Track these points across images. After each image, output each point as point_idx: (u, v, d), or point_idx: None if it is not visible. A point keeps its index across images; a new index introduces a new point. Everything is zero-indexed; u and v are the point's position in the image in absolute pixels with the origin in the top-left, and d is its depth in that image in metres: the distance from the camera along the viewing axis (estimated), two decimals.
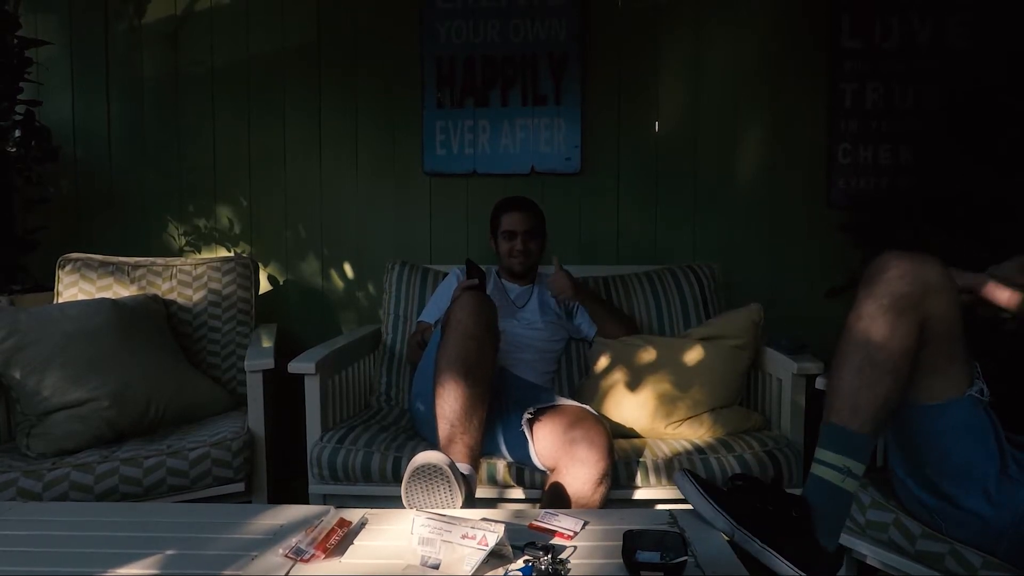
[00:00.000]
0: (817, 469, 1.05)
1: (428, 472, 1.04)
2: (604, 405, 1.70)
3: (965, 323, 1.13)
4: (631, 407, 1.68)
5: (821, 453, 1.06)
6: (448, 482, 1.04)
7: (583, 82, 2.30)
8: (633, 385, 1.69)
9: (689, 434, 1.66)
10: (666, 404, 1.65)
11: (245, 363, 1.57)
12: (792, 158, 2.31)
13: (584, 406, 1.47)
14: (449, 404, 1.32)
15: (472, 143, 2.34)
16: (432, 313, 1.88)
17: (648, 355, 1.71)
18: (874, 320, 1.06)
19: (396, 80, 2.35)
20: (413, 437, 1.61)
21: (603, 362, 1.76)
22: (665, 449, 1.56)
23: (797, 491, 1.11)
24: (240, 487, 1.49)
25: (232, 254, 2.35)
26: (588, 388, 1.77)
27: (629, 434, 1.69)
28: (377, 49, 2.35)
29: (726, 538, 1.00)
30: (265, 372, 1.59)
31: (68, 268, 1.89)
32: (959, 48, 2.21)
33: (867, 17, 2.23)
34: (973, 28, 2.20)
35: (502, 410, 1.54)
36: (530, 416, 1.43)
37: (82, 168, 2.40)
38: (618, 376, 1.71)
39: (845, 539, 1.30)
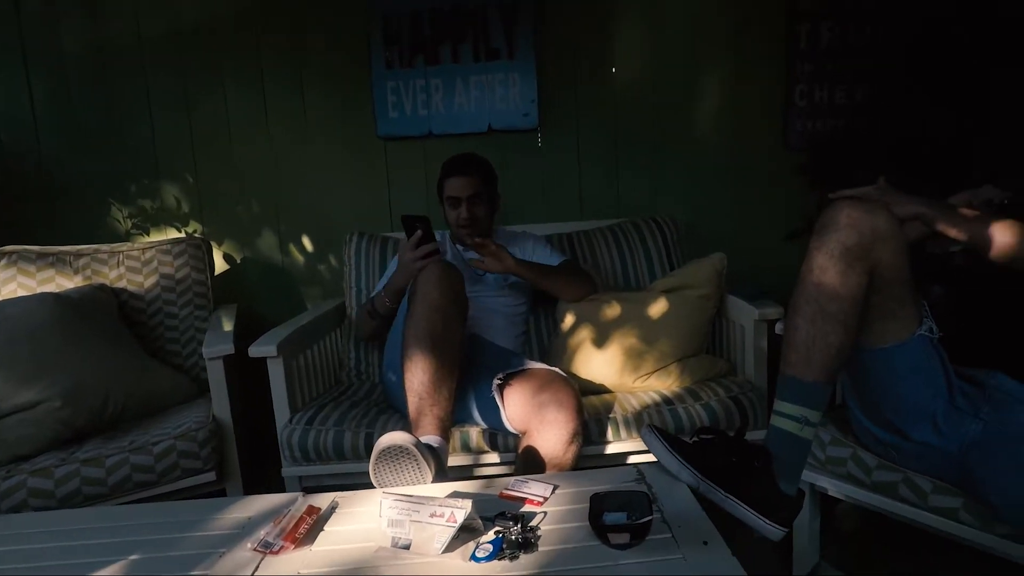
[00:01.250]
0: (776, 420, 1.08)
1: (394, 453, 1.04)
2: (573, 363, 1.72)
3: (913, 262, 1.15)
4: (600, 363, 1.69)
5: (779, 404, 1.09)
6: (415, 460, 1.04)
7: (537, 34, 2.22)
8: (600, 342, 1.70)
9: (658, 385, 1.69)
10: (633, 358, 1.67)
11: (203, 350, 1.52)
12: (751, 103, 2.29)
13: (553, 368, 1.48)
14: (418, 377, 1.31)
15: (426, 103, 2.26)
16: (382, 286, 1.84)
17: (613, 311, 1.72)
18: (825, 271, 1.07)
19: (342, 42, 2.24)
20: (385, 411, 1.60)
21: (569, 320, 1.77)
22: (634, 403, 1.58)
23: (763, 432, 1.14)
24: (211, 476, 1.47)
25: (183, 235, 2.26)
26: (557, 347, 1.78)
27: (599, 390, 1.71)
28: (320, 9, 2.23)
29: (692, 491, 1.03)
30: (229, 355, 1.55)
31: (3, 262, 1.79)
32: None
33: None
34: None
35: (474, 377, 1.53)
36: (500, 381, 1.43)
37: (7, 154, 2.25)
38: (585, 334, 1.72)
39: (809, 475, 1.35)
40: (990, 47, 1.90)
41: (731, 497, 1.04)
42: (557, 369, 1.48)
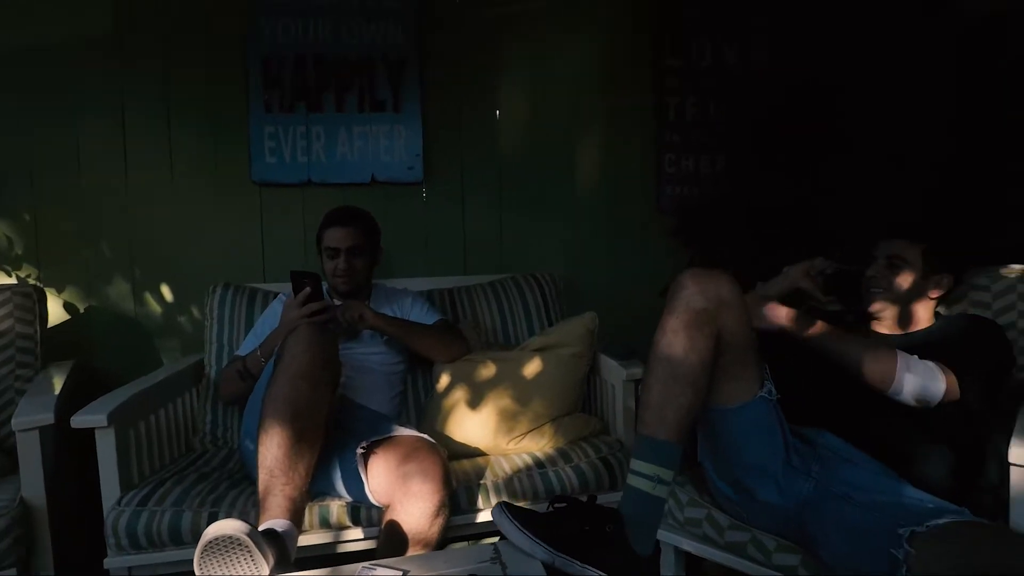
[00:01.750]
0: (631, 479, 1.11)
1: (223, 544, 0.94)
2: (447, 425, 1.68)
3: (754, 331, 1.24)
4: (474, 425, 1.67)
5: (634, 463, 1.12)
6: (248, 552, 0.95)
7: (423, 88, 2.24)
8: (475, 403, 1.67)
9: (532, 447, 1.68)
10: (508, 419, 1.66)
11: (13, 420, 1.32)
12: (626, 168, 2.43)
13: (421, 435, 1.43)
14: (271, 452, 1.21)
15: (306, 150, 2.19)
16: (251, 344, 1.72)
17: (488, 371, 1.71)
18: (676, 335, 1.13)
19: (219, 77, 2.13)
20: (240, 483, 1.46)
21: (444, 381, 1.73)
22: (507, 467, 1.56)
23: None
24: (10, 573, 1.25)
25: (12, 281, 2.00)
26: (432, 409, 1.73)
27: (473, 453, 1.67)
28: (195, 38, 2.11)
29: (548, 566, 1.02)
30: (49, 424, 1.35)
31: None
32: (758, 71, 2.45)
33: (685, 38, 2.40)
34: (771, 54, 2.45)
35: (340, 444, 1.45)
36: (363, 450, 1.36)
37: None
38: (460, 395, 1.69)
39: (671, 536, 1.38)
40: (821, 132, 2.16)
41: (587, 567, 1.03)
42: (425, 436, 1.43)
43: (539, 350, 1.76)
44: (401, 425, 1.49)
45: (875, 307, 1.48)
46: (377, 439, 1.39)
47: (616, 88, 2.39)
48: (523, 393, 1.68)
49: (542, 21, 2.32)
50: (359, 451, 1.34)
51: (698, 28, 2.40)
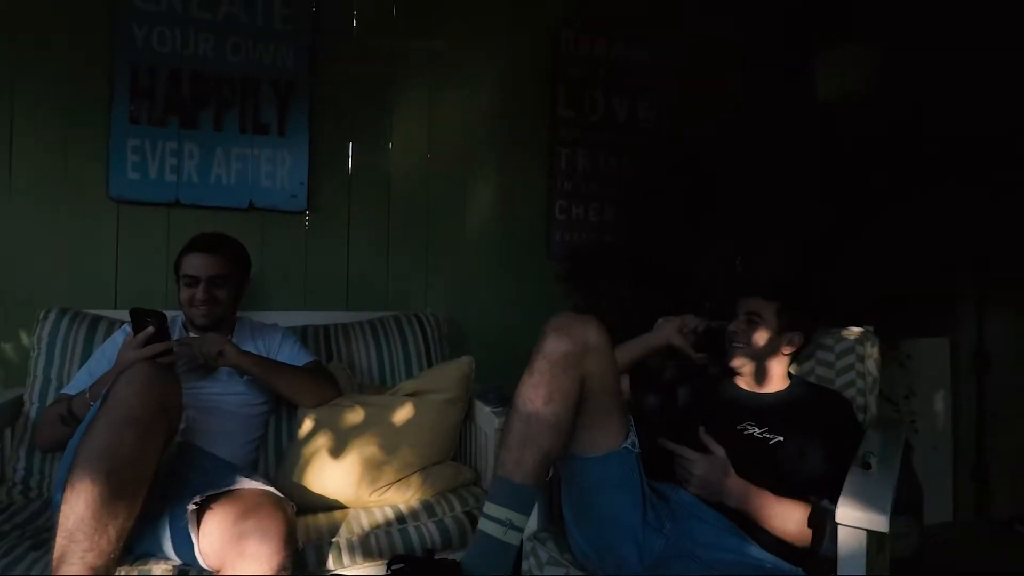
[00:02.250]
0: (482, 523, 1.07)
1: None
2: (306, 475, 1.56)
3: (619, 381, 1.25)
4: (336, 475, 1.56)
5: (488, 506, 1.08)
6: None
7: (312, 116, 2.16)
8: (338, 451, 1.57)
9: (396, 499, 1.60)
10: (372, 469, 1.57)
11: None
12: (519, 212, 2.45)
13: (267, 488, 1.31)
14: (76, 511, 1.05)
15: (176, 169, 2.03)
16: (83, 382, 1.53)
17: (355, 416, 1.62)
18: (541, 376, 1.12)
19: (74, 84, 1.94)
20: (43, 544, 1.26)
21: (307, 426, 1.62)
22: (365, 522, 1.47)
23: None
24: None
25: None
26: (291, 457, 1.61)
27: (332, 506, 1.56)
28: (50, 29, 1.91)
29: None
30: None
31: None
32: (647, 128, 2.58)
33: (578, 91, 2.49)
34: (658, 113, 2.59)
35: (173, 498, 1.29)
36: (195, 506, 1.22)
37: None
38: (322, 442, 1.58)
39: None
40: (697, 193, 2.30)
41: None
42: (271, 489, 1.31)
43: (411, 395, 1.70)
44: (249, 476, 1.36)
45: (736, 362, 1.55)
46: (214, 493, 1.25)
47: (512, 134, 2.43)
48: (391, 441, 1.60)
49: (441, 62, 2.33)
50: (191, 507, 1.20)
51: (590, 83, 2.50)
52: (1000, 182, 2.27)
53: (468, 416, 1.80)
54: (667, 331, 1.65)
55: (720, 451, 1.30)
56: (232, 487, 1.29)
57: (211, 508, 1.24)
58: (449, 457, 1.74)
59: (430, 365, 1.99)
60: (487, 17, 2.37)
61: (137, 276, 2.01)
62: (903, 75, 2.45)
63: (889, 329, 2.01)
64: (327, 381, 1.71)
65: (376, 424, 1.61)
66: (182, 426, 1.41)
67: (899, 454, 1.33)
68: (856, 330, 1.64)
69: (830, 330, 1.66)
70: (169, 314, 1.52)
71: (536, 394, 1.10)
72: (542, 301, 2.46)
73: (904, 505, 1.87)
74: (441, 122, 2.34)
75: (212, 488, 1.27)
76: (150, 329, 1.40)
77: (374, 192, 2.27)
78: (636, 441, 1.23)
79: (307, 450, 1.58)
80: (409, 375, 1.95)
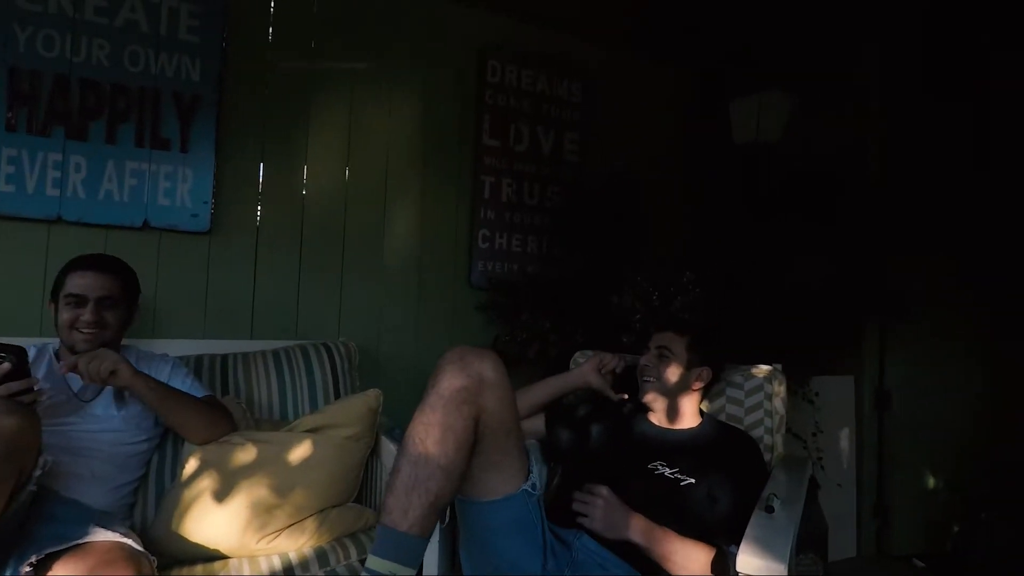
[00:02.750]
0: None
1: None
2: (185, 522, 1.40)
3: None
4: (220, 521, 1.41)
5: (369, 560, 0.99)
6: None
7: (220, 132, 2.03)
8: (224, 494, 1.43)
9: (287, 546, 1.46)
10: (261, 514, 1.43)
11: None
12: (440, 239, 2.40)
13: (122, 540, 1.16)
14: None
15: (59, 183, 1.85)
16: None
17: (246, 455, 1.48)
18: (432, 412, 1.05)
19: None
20: None
21: (192, 465, 1.47)
22: (247, 574, 1.33)
23: None
24: None
25: None
26: (170, 501, 1.45)
27: (213, 556, 1.41)
28: None
29: None
30: None
31: None
32: (571, 161, 2.60)
33: (504, 121, 2.48)
34: (580, 146, 2.62)
35: (15, 555, 1.12)
36: (31, 568, 1.06)
37: None
38: (207, 484, 1.44)
39: None
40: (619, 227, 2.32)
41: None
42: (129, 541, 1.16)
43: (311, 431, 1.58)
44: (108, 525, 1.20)
45: (648, 397, 1.54)
46: (58, 549, 1.09)
47: (436, 159, 2.38)
48: (284, 481, 1.47)
49: (363, 82, 2.26)
50: (25, 569, 1.04)
51: (517, 113, 2.50)
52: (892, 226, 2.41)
53: (374, 453, 1.69)
54: (585, 371, 1.63)
55: (604, 489, 1.26)
56: (82, 540, 1.13)
57: (55, 565, 1.08)
58: (351, 498, 1.63)
59: (338, 398, 1.87)
60: (412, 39, 2.34)
61: (10, 300, 1.80)
62: (809, 122, 2.59)
63: (798, 367, 2.07)
64: (222, 415, 1.57)
65: (269, 463, 1.48)
66: (38, 472, 1.24)
67: (803, 494, 1.33)
68: (765, 368, 1.66)
69: (740, 368, 1.68)
70: (32, 347, 1.36)
71: (427, 433, 1.03)
72: (463, 331, 2.40)
73: (809, 542, 1.90)
74: (362, 143, 2.27)
75: (59, 542, 1.12)
76: (6, 365, 1.24)
77: (286, 213, 2.16)
78: (537, 483, 1.17)
79: (189, 493, 1.43)
80: (314, 409, 1.82)
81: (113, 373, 1.38)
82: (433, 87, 2.38)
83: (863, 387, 2.44)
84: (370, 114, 2.28)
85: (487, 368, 1.08)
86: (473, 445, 1.07)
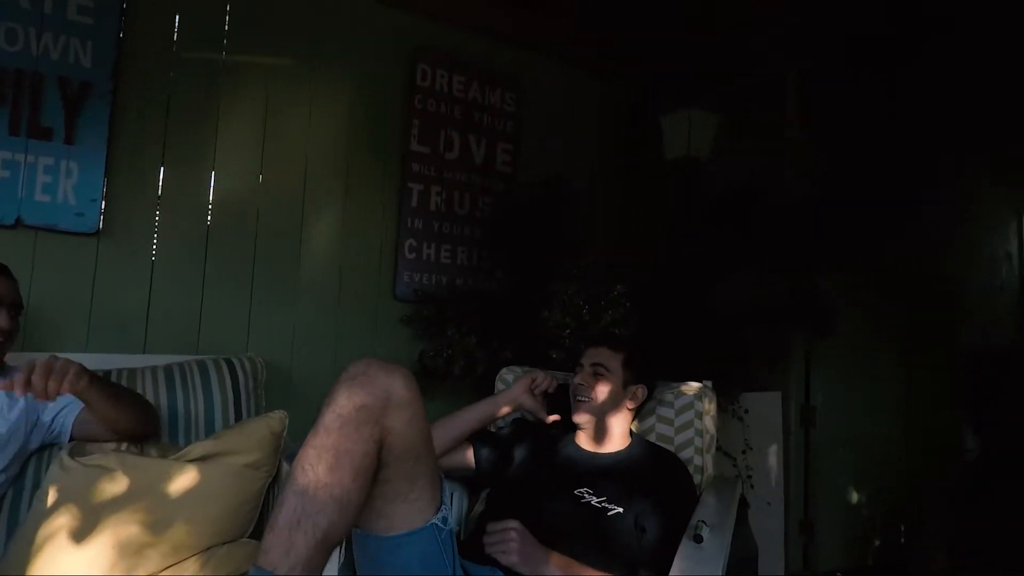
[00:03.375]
0: None
1: None
2: (36, 565, 1.19)
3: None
4: (78, 564, 1.21)
5: None
6: None
7: (114, 124, 1.84)
8: (85, 532, 1.23)
9: None
10: (130, 555, 1.24)
11: None
12: (364, 248, 2.26)
13: None
14: None
15: None
16: None
17: (116, 485, 1.28)
18: (326, 435, 0.91)
19: None
20: None
21: (51, 498, 1.26)
22: None
23: None
24: None
25: None
26: (20, 541, 1.24)
27: None
28: None
29: None
30: None
31: None
32: (504, 171, 2.53)
33: (434, 127, 2.38)
34: (514, 157, 2.55)
35: None
36: None
37: None
38: (64, 520, 1.23)
39: None
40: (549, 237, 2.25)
41: None
42: None
43: (202, 458, 1.39)
44: None
45: (581, 418, 1.45)
46: None
47: (360, 165, 2.25)
48: (161, 516, 1.28)
49: (281, 82, 2.11)
50: None
51: (447, 120, 2.41)
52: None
53: (276, 482, 1.52)
54: (516, 392, 1.53)
55: (514, 523, 1.16)
56: None
57: None
58: (246, 533, 1.44)
59: (240, 420, 1.69)
60: (336, 37, 2.21)
61: None
62: (736, 138, 2.62)
63: (727, 384, 2.05)
64: (154, 411, 1.50)
65: (142, 495, 1.28)
66: None
67: (732, 519, 1.27)
68: (695, 385, 1.61)
69: (670, 385, 1.62)
70: None
71: (319, 459, 0.89)
72: (386, 345, 2.25)
73: (739, 566, 1.86)
74: (278, 145, 2.11)
75: None
76: None
77: (190, 217, 1.97)
78: (449, 516, 1.05)
79: (44, 531, 1.22)
80: (211, 433, 1.63)
81: (80, 374, 1.19)
82: (358, 89, 2.26)
83: (789, 403, 2.45)
84: (288, 115, 2.13)
85: (395, 384, 0.96)
86: (375, 472, 0.94)
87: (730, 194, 2.48)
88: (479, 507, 1.53)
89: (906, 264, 2.84)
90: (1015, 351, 4.27)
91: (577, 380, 1.47)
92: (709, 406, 1.56)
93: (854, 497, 2.54)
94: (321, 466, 0.88)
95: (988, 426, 3.30)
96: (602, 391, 1.44)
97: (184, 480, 1.34)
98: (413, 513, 1.01)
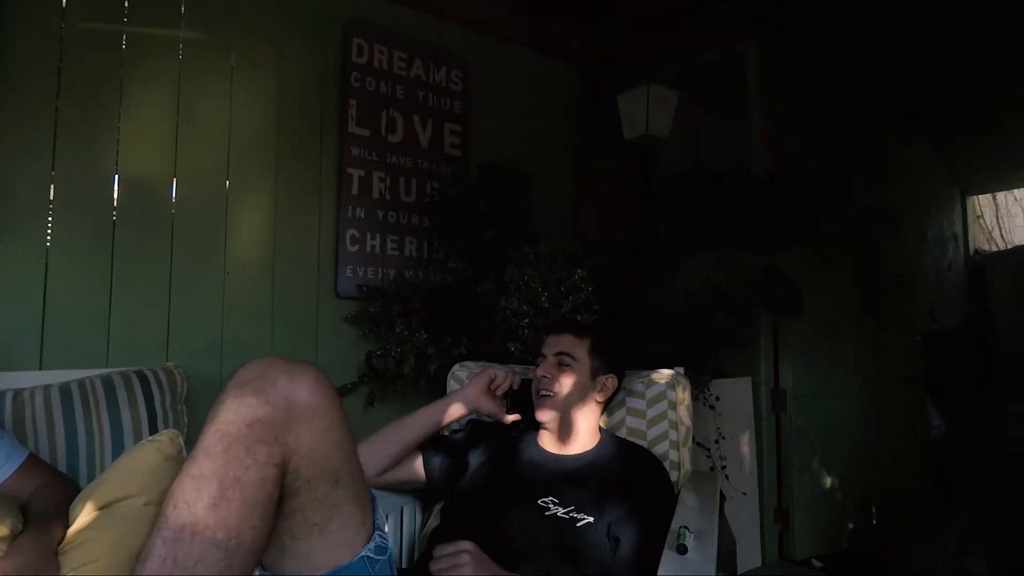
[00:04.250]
0: None
1: None
2: None
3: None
4: None
5: None
6: None
7: None
8: None
9: None
10: None
11: None
12: (301, 241, 2.04)
13: None
14: None
15: None
16: None
17: None
18: (209, 459, 0.71)
19: None
20: None
21: None
22: None
23: None
24: None
25: None
26: None
27: None
28: None
29: None
30: None
31: None
32: (453, 155, 2.35)
33: (374, 108, 2.18)
34: (463, 139, 2.38)
35: None
36: None
37: None
38: None
39: None
40: (504, 223, 2.09)
41: None
42: None
43: (103, 507, 1.14)
44: None
45: (544, 415, 1.28)
46: None
47: (293, 148, 2.03)
48: None
49: (197, 57, 1.88)
50: None
51: (390, 100, 2.21)
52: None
53: None
54: (471, 394, 1.34)
55: (468, 544, 1.00)
56: None
57: None
58: None
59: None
60: (260, 6, 1.98)
61: None
62: (698, 119, 2.52)
63: (695, 370, 1.93)
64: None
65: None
66: None
67: (716, 522, 1.13)
68: (667, 372, 1.47)
69: (639, 374, 1.48)
70: None
71: (198, 493, 0.69)
72: (330, 348, 2.05)
73: (719, 563, 1.74)
74: (196, 128, 1.87)
75: None
76: None
77: (90, 206, 1.71)
78: (387, 543, 0.86)
79: None
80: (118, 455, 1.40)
81: None
82: (288, 65, 2.04)
83: (759, 389, 2.36)
84: (206, 94, 1.90)
85: (300, 389, 0.76)
86: (278, 504, 0.75)
87: (692, 174, 2.37)
88: (432, 522, 1.36)
89: (862, 246, 2.81)
90: (963, 332, 4.35)
91: (540, 372, 1.30)
92: (683, 395, 1.43)
93: (827, 482, 2.47)
94: (200, 503, 0.68)
95: (943, 405, 3.32)
96: (567, 383, 1.28)
97: (75, 557, 1.08)
98: (335, 547, 0.81)
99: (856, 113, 2.91)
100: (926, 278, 3.76)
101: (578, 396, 1.29)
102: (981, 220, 5.32)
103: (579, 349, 1.30)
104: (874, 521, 2.57)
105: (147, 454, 1.18)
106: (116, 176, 1.75)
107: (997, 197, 5.58)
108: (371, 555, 0.82)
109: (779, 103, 2.45)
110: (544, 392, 1.29)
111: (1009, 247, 5.44)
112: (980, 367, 4.58)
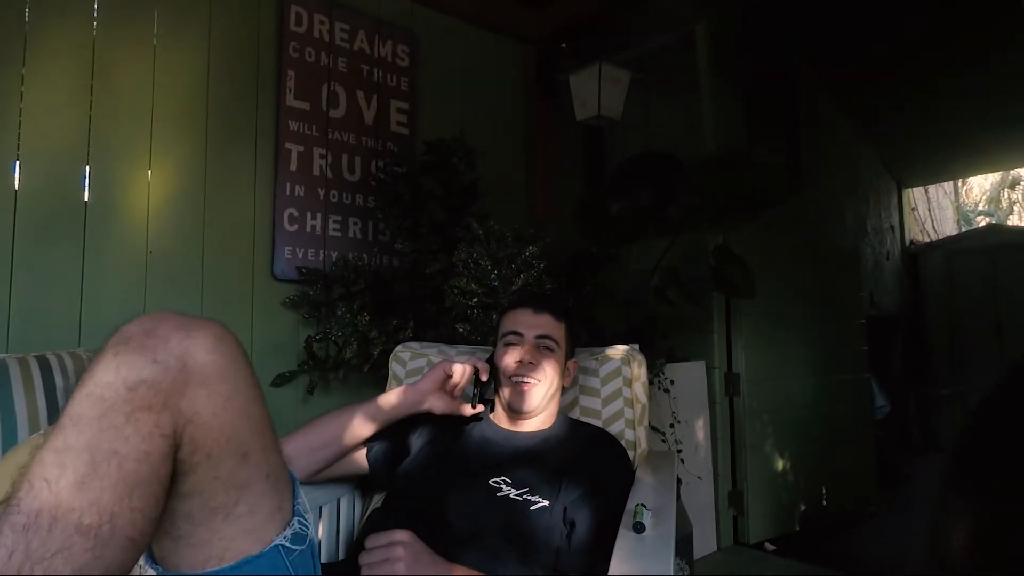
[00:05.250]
0: None
1: None
2: None
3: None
4: None
5: None
6: None
7: None
8: None
9: None
10: None
11: None
12: (234, 219, 1.90)
13: None
14: None
15: None
16: None
17: None
18: (77, 429, 0.57)
19: None
20: None
21: None
22: None
23: None
24: None
25: None
26: None
27: None
28: None
29: None
30: None
31: None
32: (399, 133, 2.24)
33: (314, 81, 2.05)
34: (410, 116, 2.27)
35: None
36: None
37: None
38: None
39: None
40: (453, 203, 2.00)
41: None
42: None
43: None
44: None
45: (528, 403, 1.14)
46: None
47: (223, 121, 1.89)
48: None
49: (113, 14, 1.72)
50: None
51: (331, 73, 2.09)
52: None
53: None
54: (423, 391, 1.17)
55: (405, 534, 0.90)
56: None
57: None
58: None
59: None
60: None
61: None
62: (649, 100, 2.49)
63: (649, 353, 1.88)
64: None
65: None
66: None
67: (674, 500, 1.07)
68: (621, 348, 1.40)
69: (592, 350, 1.41)
70: None
71: (61, 469, 0.55)
72: (267, 334, 1.91)
73: (676, 548, 1.70)
74: (113, 91, 1.71)
75: None
76: None
77: None
78: (307, 528, 0.75)
79: None
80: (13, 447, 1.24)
81: None
82: (219, 29, 1.89)
83: (713, 373, 2.35)
84: (125, 55, 1.74)
85: (197, 348, 0.63)
86: (173, 482, 0.64)
87: (643, 154, 2.34)
88: (374, 505, 1.25)
89: (808, 230, 2.85)
90: (900, 318, 4.52)
91: (521, 356, 1.15)
92: (639, 371, 1.37)
93: (779, 464, 2.48)
94: (64, 480, 0.55)
95: (887, 387, 3.41)
96: (550, 370, 1.16)
97: None
98: (243, 534, 0.68)
99: (803, 99, 2.95)
100: (866, 266, 3.87)
101: (557, 383, 1.20)
102: (915, 212, 5.55)
103: (559, 332, 1.20)
104: (824, 502, 2.60)
105: (23, 455, 1.04)
106: (18, 148, 1.58)
107: (929, 191, 5.83)
108: (287, 544, 0.70)
109: (729, 83, 2.44)
110: (526, 380, 1.14)
111: (940, 238, 5.70)
112: (916, 352, 4.77)
